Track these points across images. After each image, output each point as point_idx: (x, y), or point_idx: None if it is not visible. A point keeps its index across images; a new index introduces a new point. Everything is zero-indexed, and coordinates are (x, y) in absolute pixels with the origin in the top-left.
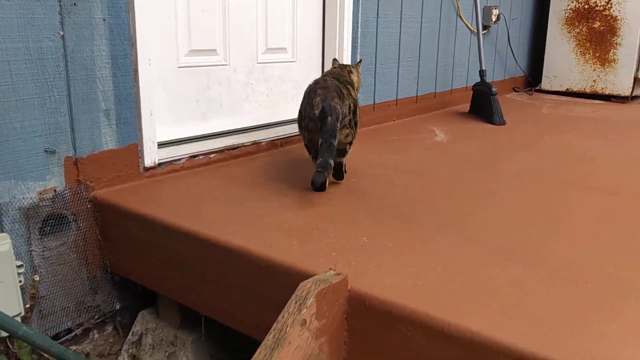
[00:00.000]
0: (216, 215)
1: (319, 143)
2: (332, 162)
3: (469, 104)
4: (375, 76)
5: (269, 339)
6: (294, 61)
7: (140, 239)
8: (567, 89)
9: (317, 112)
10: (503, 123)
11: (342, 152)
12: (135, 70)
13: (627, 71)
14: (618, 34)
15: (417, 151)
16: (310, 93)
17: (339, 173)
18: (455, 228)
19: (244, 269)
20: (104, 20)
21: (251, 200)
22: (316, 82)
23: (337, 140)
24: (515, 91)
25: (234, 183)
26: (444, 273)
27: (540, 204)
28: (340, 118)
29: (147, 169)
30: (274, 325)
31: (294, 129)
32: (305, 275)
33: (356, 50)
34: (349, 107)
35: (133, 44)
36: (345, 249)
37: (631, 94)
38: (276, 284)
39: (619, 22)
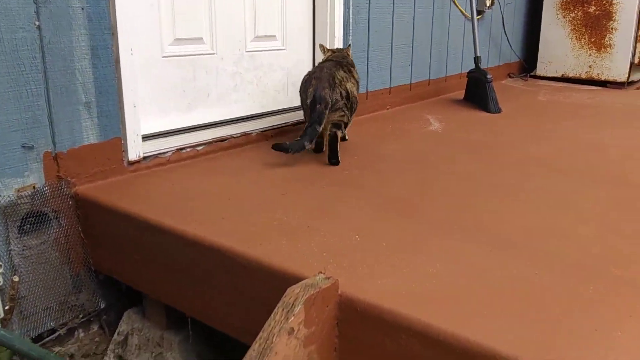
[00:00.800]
0: (202, 211)
1: (305, 126)
2: (307, 145)
3: (463, 91)
4: (368, 64)
5: (254, 349)
6: (283, 49)
7: (123, 237)
8: (562, 75)
9: (309, 101)
10: (499, 111)
11: (338, 125)
12: (117, 61)
13: (623, 56)
14: (614, 18)
15: (414, 141)
16: (307, 82)
17: (333, 152)
18: (455, 224)
19: (230, 270)
20: (82, 9)
21: (239, 195)
22: (313, 71)
23: (322, 126)
24: (510, 77)
25: (222, 177)
26: (441, 274)
27: (548, 195)
28: (329, 105)
29: (131, 163)
30: (260, 334)
31: (284, 118)
32: (295, 278)
33: (348, 37)
34: (341, 94)
35: (114, 34)
36: (336, 249)
37: (627, 79)
38: (264, 286)
39: (614, 6)
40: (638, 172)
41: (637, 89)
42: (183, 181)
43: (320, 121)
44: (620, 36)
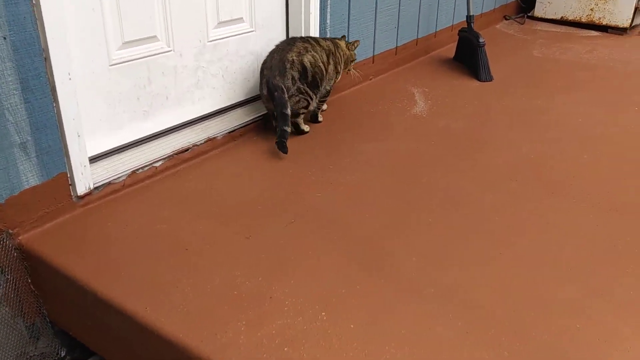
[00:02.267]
0: (153, 274)
1: (275, 114)
2: (287, 128)
3: (454, 46)
4: (348, 34)
5: None
6: (252, 31)
7: (70, 297)
8: (562, 17)
9: (265, 92)
10: (489, 79)
11: (296, 114)
12: (53, 89)
13: (628, 0)
14: None
15: (392, 135)
16: (261, 73)
17: (298, 131)
18: (430, 285)
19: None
20: (4, 38)
21: (195, 242)
22: (265, 60)
23: (289, 109)
24: (505, 19)
25: (178, 209)
26: None
27: (538, 238)
28: (285, 91)
29: (80, 197)
30: None
31: (254, 110)
32: None
33: (326, 6)
34: (292, 78)
35: (46, 59)
36: (299, 336)
37: (630, 25)
38: None
39: None
40: (634, 188)
41: (638, 34)
42: (138, 219)
43: (285, 105)
44: None
